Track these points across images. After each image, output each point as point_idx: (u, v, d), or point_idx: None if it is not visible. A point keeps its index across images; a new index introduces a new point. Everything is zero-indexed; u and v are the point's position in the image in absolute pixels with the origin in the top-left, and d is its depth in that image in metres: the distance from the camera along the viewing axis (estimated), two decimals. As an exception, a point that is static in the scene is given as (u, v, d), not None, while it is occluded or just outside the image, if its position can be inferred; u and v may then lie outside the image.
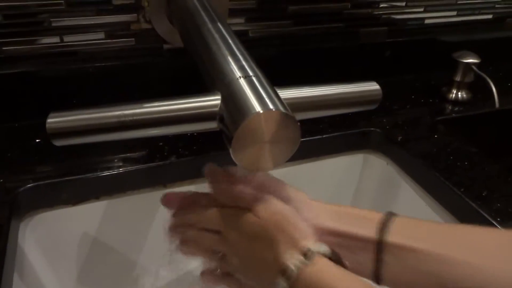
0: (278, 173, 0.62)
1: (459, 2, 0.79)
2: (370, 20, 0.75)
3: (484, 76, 0.67)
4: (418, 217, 0.59)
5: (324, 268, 0.33)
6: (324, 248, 0.34)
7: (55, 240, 0.52)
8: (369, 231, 0.36)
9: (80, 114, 0.36)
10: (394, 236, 0.35)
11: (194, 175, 0.56)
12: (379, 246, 0.35)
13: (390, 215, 0.37)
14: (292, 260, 0.33)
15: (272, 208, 0.36)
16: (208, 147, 0.56)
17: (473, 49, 0.72)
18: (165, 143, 0.56)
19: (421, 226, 0.37)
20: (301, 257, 0.33)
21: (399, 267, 0.35)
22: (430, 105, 0.71)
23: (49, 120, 0.36)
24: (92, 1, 0.56)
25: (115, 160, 0.52)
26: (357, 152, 0.66)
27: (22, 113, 0.59)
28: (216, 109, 0.35)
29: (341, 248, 0.36)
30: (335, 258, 0.34)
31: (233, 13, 0.64)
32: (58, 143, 0.37)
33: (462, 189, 0.52)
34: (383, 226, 0.36)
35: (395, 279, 0.35)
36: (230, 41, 0.41)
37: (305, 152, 0.61)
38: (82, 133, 0.36)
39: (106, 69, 0.60)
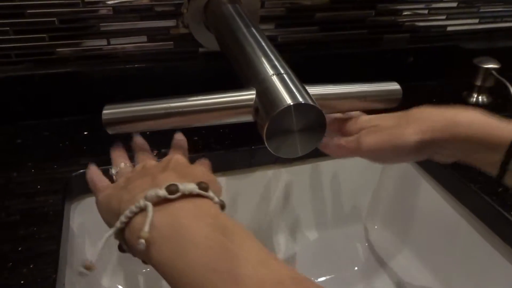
0: (300, 169, 0.66)
1: (481, 10, 0.82)
2: (393, 27, 0.78)
3: (504, 81, 0.69)
4: (438, 214, 0.62)
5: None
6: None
7: (99, 222, 0.58)
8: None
9: (132, 106, 0.41)
10: None
11: (225, 167, 0.61)
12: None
13: None
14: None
15: None
16: (238, 142, 0.61)
17: (496, 55, 0.73)
18: (199, 137, 0.61)
19: None
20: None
21: None
22: (451, 109, 0.74)
23: (104, 112, 0.41)
24: (136, 8, 0.62)
25: (155, 153, 0.57)
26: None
27: (71, 108, 0.64)
28: (252, 102, 0.39)
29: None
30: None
31: (263, 19, 0.68)
32: (111, 131, 0.42)
33: (478, 185, 0.55)
34: None
35: None
36: (263, 44, 0.46)
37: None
38: (132, 122, 0.41)
39: (147, 69, 0.65)
